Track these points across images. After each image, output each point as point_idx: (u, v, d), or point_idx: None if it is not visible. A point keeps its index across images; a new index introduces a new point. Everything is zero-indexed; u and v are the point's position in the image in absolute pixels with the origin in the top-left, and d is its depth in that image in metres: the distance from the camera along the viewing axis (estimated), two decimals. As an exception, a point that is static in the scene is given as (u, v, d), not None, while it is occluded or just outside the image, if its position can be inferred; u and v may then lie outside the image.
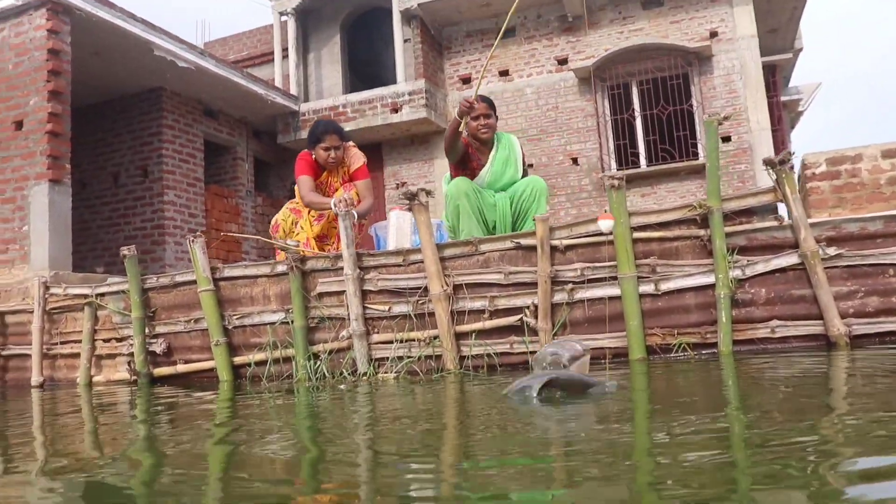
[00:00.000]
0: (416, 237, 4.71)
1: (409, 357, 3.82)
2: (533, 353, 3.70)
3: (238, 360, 4.35)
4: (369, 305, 3.99)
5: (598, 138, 10.84)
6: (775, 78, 12.23)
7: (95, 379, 4.96)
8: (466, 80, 11.68)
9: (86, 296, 5.00)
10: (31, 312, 5.29)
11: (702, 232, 3.60)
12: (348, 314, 3.97)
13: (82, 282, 6.22)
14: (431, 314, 3.85)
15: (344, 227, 3.95)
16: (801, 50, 13.65)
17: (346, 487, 1.52)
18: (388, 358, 3.90)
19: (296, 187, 4.78)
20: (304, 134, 10.91)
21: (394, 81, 11.44)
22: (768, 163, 3.55)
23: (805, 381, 2.63)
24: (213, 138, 10.74)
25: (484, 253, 3.86)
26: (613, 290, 3.64)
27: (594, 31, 11.11)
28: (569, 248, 3.73)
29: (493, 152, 4.49)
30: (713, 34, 10.54)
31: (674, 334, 3.59)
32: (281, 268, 4.24)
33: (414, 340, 3.88)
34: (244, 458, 1.91)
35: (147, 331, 4.67)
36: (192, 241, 4.39)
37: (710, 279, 3.55)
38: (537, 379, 2.37)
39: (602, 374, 3.01)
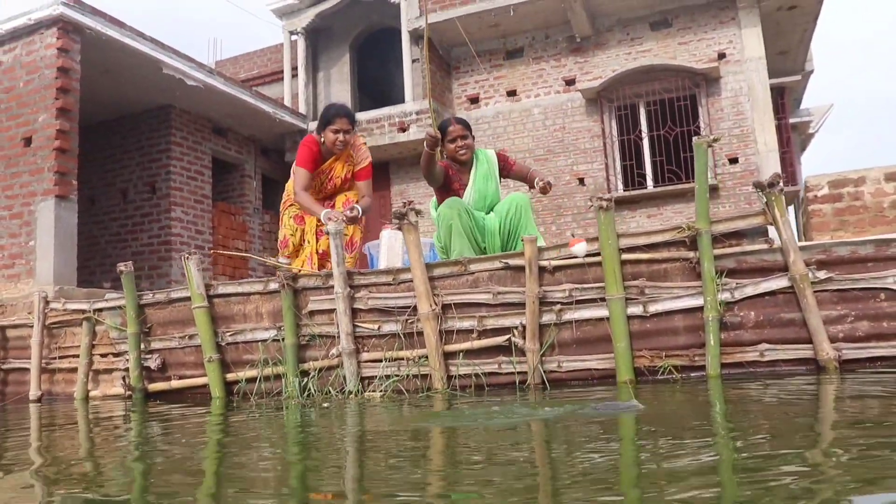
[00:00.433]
0: (408, 256, 4.72)
1: (396, 376, 3.82)
2: (521, 373, 3.70)
3: (230, 376, 4.37)
4: (359, 324, 4.00)
5: (604, 159, 10.85)
6: (784, 100, 12.20)
7: (92, 394, 5.00)
8: (474, 100, 11.74)
9: (84, 311, 5.05)
10: (32, 327, 5.34)
11: (691, 254, 3.58)
12: (338, 332, 3.98)
13: (87, 297, 6.27)
14: (420, 333, 3.85)
15: (334, 245, 3.96)
16: (811, 72, 13.64)
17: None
18: (376, 376, 3.90)
19: (291, 177, 4.76)
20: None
21: (402, 101, 11.52)
22: (757, 186, 3.54)
23: (799, 404, 2.61)
24: (221, 156, 10.84)
25: (473, 273, 3.86)
26: (601, 312, 3.63)
27: (602, 52, 11.15)
28: (557, 268, 3.72)
29: (472, 171, 4.52)
30: (721, 56, 10.55)
31: (662, 356, 3.56)
32: (273, 285, 4.26)
33: (403, 359, 3.88)
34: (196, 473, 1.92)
35: (143, 346, 4.70)
36: (187, 257, 4.42)
37: (698, 301, 3.53)
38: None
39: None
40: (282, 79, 12.70)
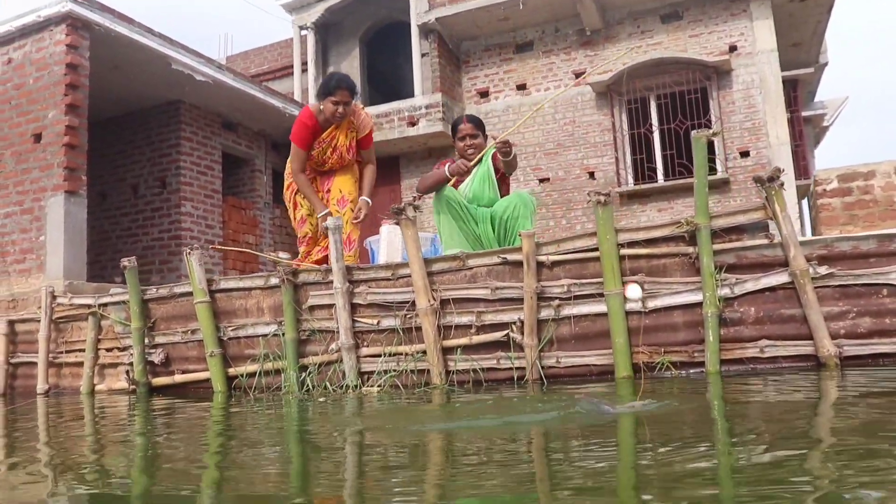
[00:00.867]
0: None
1: (394, 371, 3.82)
2: (520, 368, 3.69)
3: (232, 371, 4.39)
4: (358, 319, 4.00)
5: (614, 152, 10.79)
6: (797, 92, 12.07)
7: (98, 388, 5.04)
8: (484, 94, 11.70)
9: (89, 306, 5.08)
10: (39, 321, 5.39)
11: (690, 249, 3.55)
12: (337, 327, 3.99)
13: (96, 291, 6.31)
14: (419, 328, 3.84)
15: (333, 240, 3.96)
16: (825, 65, 13.46)
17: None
18: (375, 371, 3.90)
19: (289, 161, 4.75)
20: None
21: (412, 95, 11.50)
22: (757, 180, 3.50)
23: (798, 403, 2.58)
24: (231, 150, 10.87)
25: (471, 268, 3.85)
26: (600, 307, 3.61)
27: (612, 45, 11.08)
28: (556, 263, 3.70)
29: (475, 169, 4.46)
30: (732, 48, 10.45)
31: (661, 352, 3.54)
32: (274, 280, 4.27)
33: (402, 354, 3.88)
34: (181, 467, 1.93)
35: (147, 341, 4.73)
36: (189, 253, 4.44)
37: (698, 297, 3.50)
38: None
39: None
40: (292, 74, 12.72)
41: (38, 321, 5.40)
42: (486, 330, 3.77)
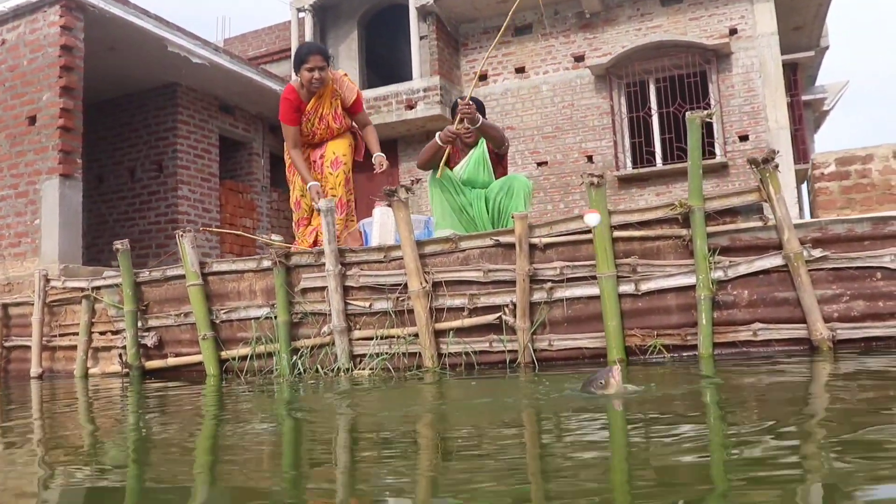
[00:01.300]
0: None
1: (386, 354, 3.81)
2: (512, 352, 3.67)
3: (225, 354, 4.38)
4: (351, 301, 3.98)
5: (613, 136, 10.74)
6: (796, 76, 11.99)
7: (91, 371, 5.03)
8: (483, 77, 11.62)
9: (83, 289, 5.07)
10: (33, 304, 5.37)
11: (684, 231, 3.53)
12: (329, 310, 3.97)
13: (91, 275, 6.29)
14: (411, 311, 3.83)
15: (326, 223, 3.94)
16: (826, 48, 13.36)
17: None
18: (367, 354, 3.89)
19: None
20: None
21: (410, 78, 11.43)
22: (752, 162, 3.47)
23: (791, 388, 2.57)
24: (228, 134, 10.82)
25: (464, 250, 3.83)
26: (593, 290, 3.58)
27: (611, 28, 10.99)
28: (548, 246, 3.68)
29: (471, 151, 4.42)
30: (733, 31, 10.37)
31: (653, 335, 3.52)
32: (266, 263, 4.25)
33: (394, 337, 3.87)
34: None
35: (140, 324, 4.72)
36: (181, 235, 4.42)
37: (691, 280, 3.48)
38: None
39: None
40: (289, 56, 12.61)
41: (32, 304, 5.39)
42: (479, 313, 3.75)
